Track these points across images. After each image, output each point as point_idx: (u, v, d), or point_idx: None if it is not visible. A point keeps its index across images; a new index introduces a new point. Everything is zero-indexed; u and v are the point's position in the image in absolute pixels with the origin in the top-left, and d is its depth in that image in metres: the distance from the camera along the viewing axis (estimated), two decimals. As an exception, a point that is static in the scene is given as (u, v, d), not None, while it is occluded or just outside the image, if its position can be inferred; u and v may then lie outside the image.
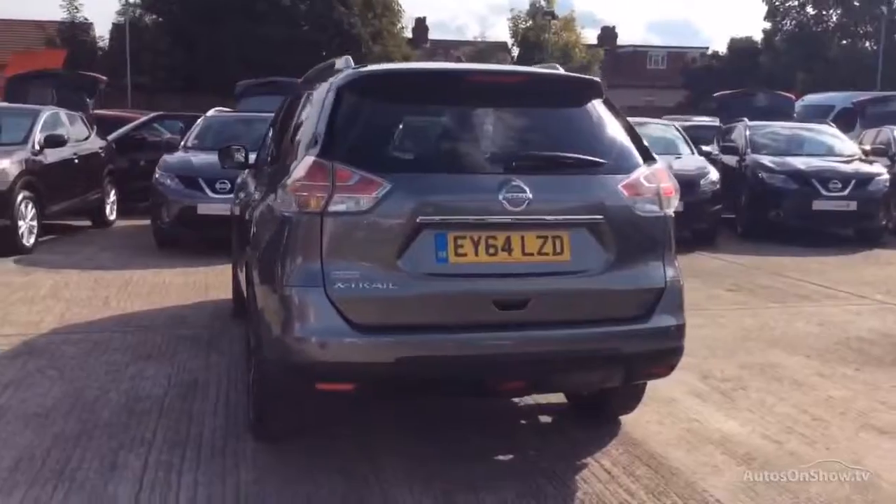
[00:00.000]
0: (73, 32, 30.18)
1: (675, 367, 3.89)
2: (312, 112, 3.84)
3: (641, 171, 3.70)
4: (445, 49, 38.96)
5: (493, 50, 35.97)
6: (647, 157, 3.80)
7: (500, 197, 3.38)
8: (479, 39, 40.10)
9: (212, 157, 8.14)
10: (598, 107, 3.86)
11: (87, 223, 11.78)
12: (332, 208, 3.34)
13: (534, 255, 3.48)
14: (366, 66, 4.07)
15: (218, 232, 7.94)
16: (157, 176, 9.84)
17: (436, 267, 3.38)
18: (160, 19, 30.52)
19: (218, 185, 9.23)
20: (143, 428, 4.20)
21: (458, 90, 3.74)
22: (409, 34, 46.46)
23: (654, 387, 4.91)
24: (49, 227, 10.55)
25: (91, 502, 3.40)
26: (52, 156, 10.12)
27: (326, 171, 3.36)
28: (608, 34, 54.02)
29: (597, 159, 3.68)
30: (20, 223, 9.26)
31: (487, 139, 3.74)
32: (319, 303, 3.33)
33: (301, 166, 3.47)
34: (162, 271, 8.39)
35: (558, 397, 4.66)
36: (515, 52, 35.50)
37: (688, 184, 10.89)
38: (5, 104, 12.17)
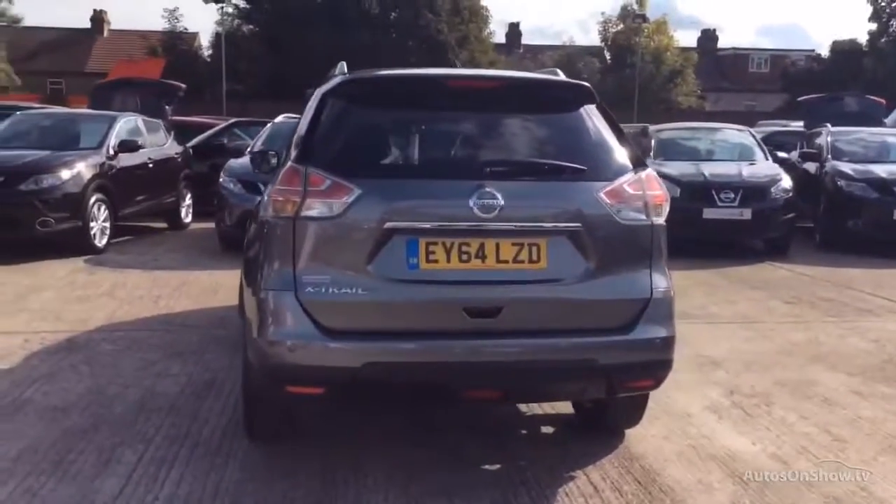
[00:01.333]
0: (174, 42, 31.45)
1: (663, 381, 3.76)
2: (302, 119, 3.90)
3: (626, 178, 3.60)
4: (534, 54, 38.78)
5: (580, 54, 35.56)
6: (637, 164, 3.69)
7: (471, 203, 3.35)
8: (568, 44, 39.66)
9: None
10: (585, 112, 3.77)
11: (164, 225, 12.23)
12: (304, 213, 3.38)
13: (509, 262, 3.43)
14: (357, 71, 4.09)
15: None
16: (221, 180, 10.13)
17: (406, 273, 3.37)
18: (256, 29, 31.45)
19: None
20: (148, 424, 4.34)
21: (438, 96, 3.73)
22: (501, 39, 46.58)
23: (670, 400, 4.82)
24: (125, 229, 11.01)
25: (77, 494, 3.53)
26: (125, 160, 10.55)
27: (300, 177, 3.40)
28: (709, 37, 52.71)
29: (575, 166, 3.60)
30: (92, 224, 9.69)
31: (464, 145, 3.71)
32: (291, 306, 3.37)
33: (280, 172, 3.53)
34: (217, 273, 8.63)
35: (567, 408, 4.58)
36: (606, 56, 35.00)
37: (757, 191, 10.58)
38: (86, 111, 12.77)
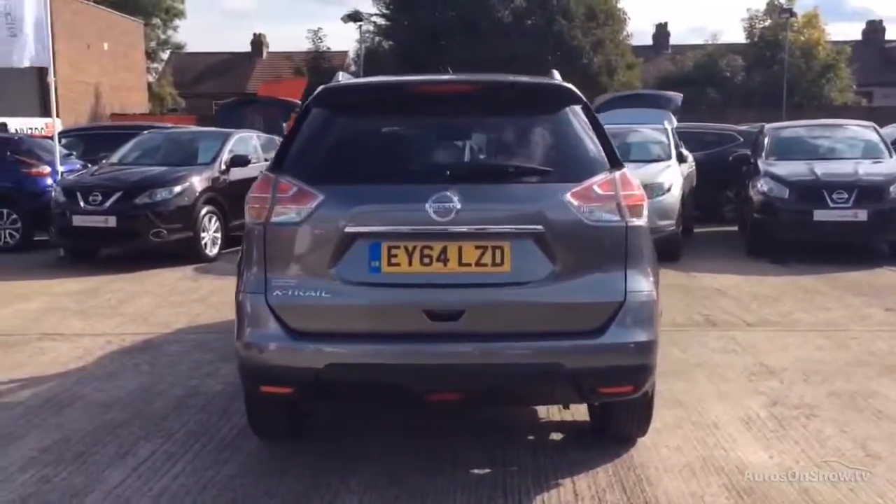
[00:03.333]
0: (317, 62, 32.76)
1: (643, 387, 3.62)
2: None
3: (597, 179, 3.51)
4: (680, 54, 37.54)
5: (723, 52, 34.14)
6: (614, 164, 3.58)
7: (428, 207, 3.37)
8: (710, 42, 38.16)
9: None
10: (562, 114, 3.71)
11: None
12: (273, 219, 3.51)
13: (471, 265, 3.42)
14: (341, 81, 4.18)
15: None
16: None
17: (368, 276, 3.43)
18: (393, 45, 32.26)
19: None
20: (176, 421, 4.60)
21: (409, 102, 3.77)
22: (648, 41, 45.43)
23: (704, 410, 4.68)
24: (238, 239, 11.61)
25: (84, 483, 3.81)
26: (236, 174, 11.14)
27: (271, 185, 3.54)
28: (874, 29, 49.29)
29: (539, 167, 3.54)
30: (203, 234, 10.31)
31: (429, 149, 3.73)
32: (261, 309, 3.51)
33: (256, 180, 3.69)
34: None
35: (583, 415, 4.48)
36: (751, 53, 33.45)
37: (873, 191, 9.92)
38: (204, 129, 13.57)
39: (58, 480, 3.83)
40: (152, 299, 8.07)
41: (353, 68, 31.19)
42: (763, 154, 11.25)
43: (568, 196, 3.45)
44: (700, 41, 44.66)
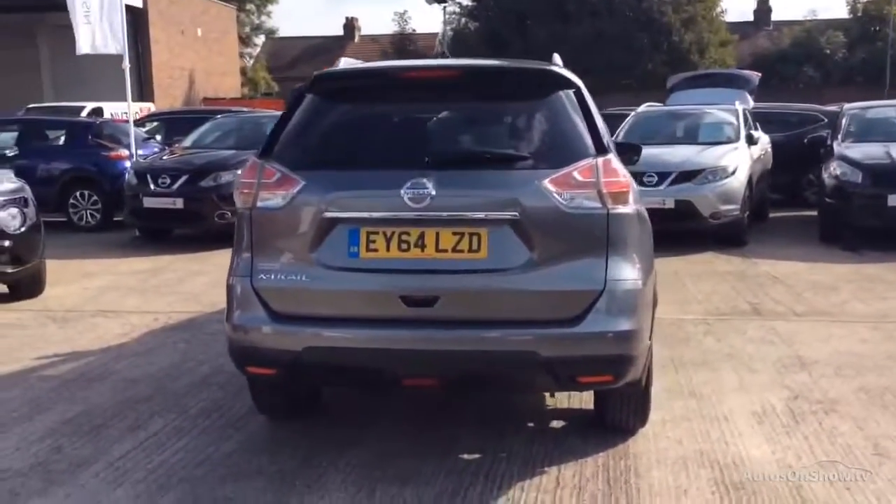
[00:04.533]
0: (402, 44, 32.99)
1: (625, 377, 3.55)
2: None
3: (577, 166, 3.44)
4: (779, 29, 36.08)
5: (822, 28, 32.63)
6: (601, 151, 3.51)
7: (402, 193, 3.38)
8: (808, 19, 36.53)
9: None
10: (548, 99, 3.65)
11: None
12: (259, 204, 3.60)
13: (448, 251, 3.42)
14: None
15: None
16: None
17: (347, 261, 3.48)
18: (479, 26, 32.18)
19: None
20: (193, 398, 4.78)
21: (395, 88, 3.78)
22: (749, 17, 43.83)
23: (720, 403, 4.61)
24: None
25: (91, 454, 4.00)
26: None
27: (257, 170, 3.62)
28: None
29: (517, 153, 3.50)
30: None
31: (410, 135, 3.73)
32: (247, 292, 3.61)
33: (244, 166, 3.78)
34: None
35: (589, 403, 4.43)
36: (848, 29, 31.85)
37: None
38: (273, 113, 13.83)
39: (68, 451, 4.04)
40: (208, 279, 8.34)
41: (438, 50, 31.25)
42: (840, 136, 10.76)
43: (546, 182, 3.40)
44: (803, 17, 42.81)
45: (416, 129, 3.79)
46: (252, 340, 3.60)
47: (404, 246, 3.44)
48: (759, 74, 14.13)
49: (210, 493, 3.57)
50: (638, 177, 9.63)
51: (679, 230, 10.04)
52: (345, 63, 4.20)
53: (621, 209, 3.50)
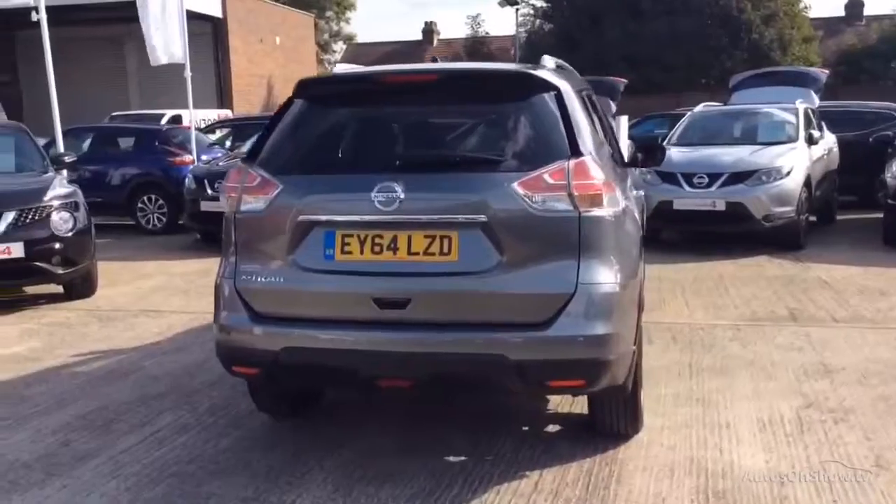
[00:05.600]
0: (475, 46, 33.05)
1: (599, 381, 3.50)
2: None
3: (548, 168, 3.41)
4: (878, 23, 34.54)
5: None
6: (576, 153, 3.48)
7: (373, 196, 3.42)
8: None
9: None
10: (524, 102, 3.63)
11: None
12: (242, 208, 3.70)
13: (420, 254, 3.45)
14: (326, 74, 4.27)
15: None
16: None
17: (323, 263, 3.54)
18: (553, 27, 31.97)
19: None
20: (205, 395, 4.92)
21: (377, 93, 3.82)
22: (840, 12, 42.28)
23: (726, 409, 4.55)
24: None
25: (97, 447, 4.18)
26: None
27: (241, 175, 3.72)
28: None
29: (487, 156, 3.49)
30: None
31: (384, 139, 3.76)
32: (231, 293, 3.71)
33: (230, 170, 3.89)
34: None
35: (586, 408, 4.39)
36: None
37: None
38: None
39: (76, 444, 4.23)
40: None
41: (511, 52, 31.22)
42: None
43: (515, 185, 3.39)
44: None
45: (391, 133, 3.83)
46: (235, 341, 3.70)
47: (377, 249, 3.48)
48: (827, 72, 13.61)
49: (195, 488, 3.68)
50: (688, 178, 9.55)
51: (730, 233, 9.83)
52: (340, 69, 4.27)
53: (596, 212, 3.45)
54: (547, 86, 3.69)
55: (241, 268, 3.70)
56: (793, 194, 9.44)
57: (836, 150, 11.61)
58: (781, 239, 9.61)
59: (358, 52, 46.39)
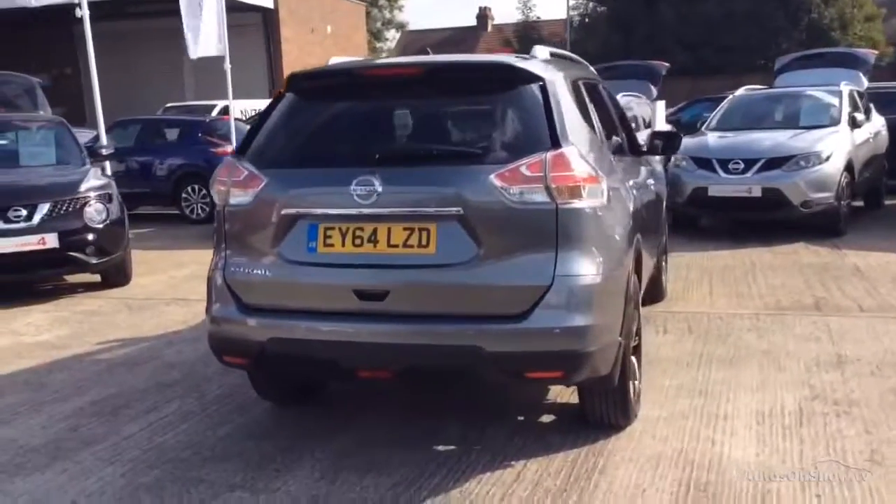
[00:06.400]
0: (526, 32, 32.74)
1: (578, 373, 3.49)
2: None
3: (526, 160, 3.40)
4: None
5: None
6: (556, 144, 3.46)
7: (352, 189, 3.46)
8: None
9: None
10: (506, 94, 3.63)
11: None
12: (230, 201, 3.78)
13: (399, 247, 3.48)
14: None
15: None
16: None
17: (306, 256, 3.60)
18: (605, 10, 31.53)
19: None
20: (214, 384, 5.04)
21: (360, 86, 3.85)
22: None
23: (727, 401, 4.51)
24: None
25: (103, 433, 4.32)
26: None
27: (230, 169, 3.80)
28: None
29: (464, 149, 3.50)
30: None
31: (365, 132, 3.78)
32: (221, 285, 3.80)
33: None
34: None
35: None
36: None
37: None
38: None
39: (84, 430, 4.38)
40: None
41: (559, 38, 30.92)
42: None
43: (492, 178, 3.39)
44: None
45: (373, 126, 3.86)
46: (225, 331, 3.79)
47: (358, 241, 3.52)
48: (876, 52, 13.19)
49: (187, 474, 3.79)
50: (724, 164, 9.37)
51: (767, 220, 9.63)
52: (333, 62, 4.31)
53: (576, 204, 3.44)
54: (530, 77, 3.67)
55: (230, 260, 3.79)
56: (832, 179, 9.20)
57: (884, 133, 11.27)
58: (821, 226, 9.38)
59: (412, 39, 46.42)
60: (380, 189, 3.43)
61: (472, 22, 49.34)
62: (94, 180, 7.88)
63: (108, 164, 9.97)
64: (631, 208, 4.11)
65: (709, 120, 11.23)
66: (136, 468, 3.87)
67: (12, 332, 6.57)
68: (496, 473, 3.68)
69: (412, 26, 45.16)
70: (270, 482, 3.67)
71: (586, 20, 33.61)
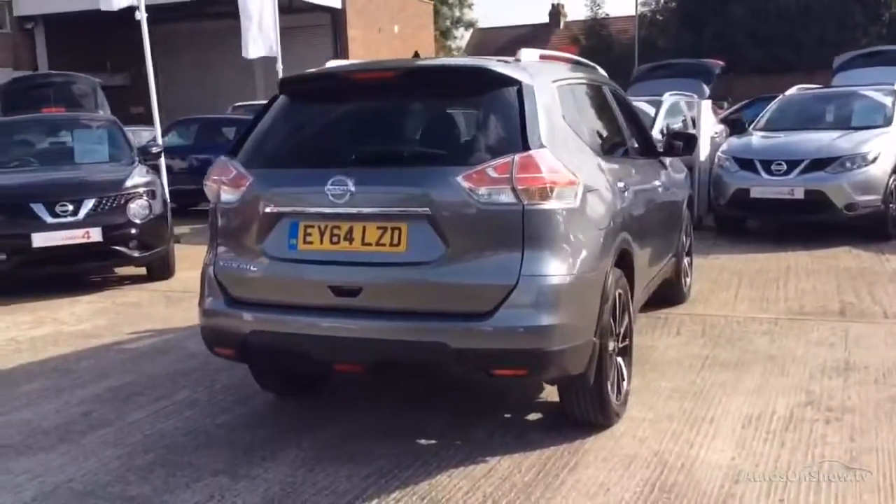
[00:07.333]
0: (594, 29, 32.54)
1: (544, 371, 3.56)
2: None
3: (494, 162, 3.48)
4: None
5: None
6: (527, 146, 3.53)
7: (326, 189, 3.60)
8: None
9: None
10: (480, 97, 3.72)
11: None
12: (221, 199, 3.96)
13: (372, 245, 3.60)
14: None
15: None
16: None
17: (287, 252, 3.76)
18: (674, 6, 31.11)
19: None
20: (225, 374, 5.23)
21: (343, 89, 3.99)
22: None
23: (719, 404, 4.50)
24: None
25: (110, 417, 4.57)
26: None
27: (221, 168, 3.98)
28: None
29: (434, 151, 3.59)
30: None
31: (343, 134, 3.91)
32: (211, 279, 3.99)
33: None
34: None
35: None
36: None
37: None
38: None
39: (95, 414, 4.63)
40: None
41: (628, 35, 30.60)
42: None
43: (459, 179, 3.48)
44: None
45: (351, 128, 3.98)
46: (215, 323, 3.99)
47: (335, 239, 3.66)
48: (938, 50, 12.70)
49: (178, 458, 3.99)
50: (766, 165, 9.22)
51: (810, 223, 9.44)
52: (330, 64, 4.46)
53: (543, 205, 3.50)
54: (506, 80, 3.75)
55: (220, 255, 3.98)
56: (878, 182, 8.97)
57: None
58: (866, 229, 9.15)
59: (483, 37, 46.54)
60: (353, 189, 3.56)
61: (545, 19, 49.07)
62: (138, 177, 8.23)
63: (162, 161, 10.39)
64: (618, 209, 4.13)
65: (757, 120, 11.04)
66: (133, 452, 4.09)
67: (55, 320, 6.94)
68: (469, 468, 3.76)
69: (483, 24, 45.21)
70: (252, 469, 3.84)
71: (657, 16, 33.21)
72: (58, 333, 6.51)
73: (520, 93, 3.72)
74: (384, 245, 3.59)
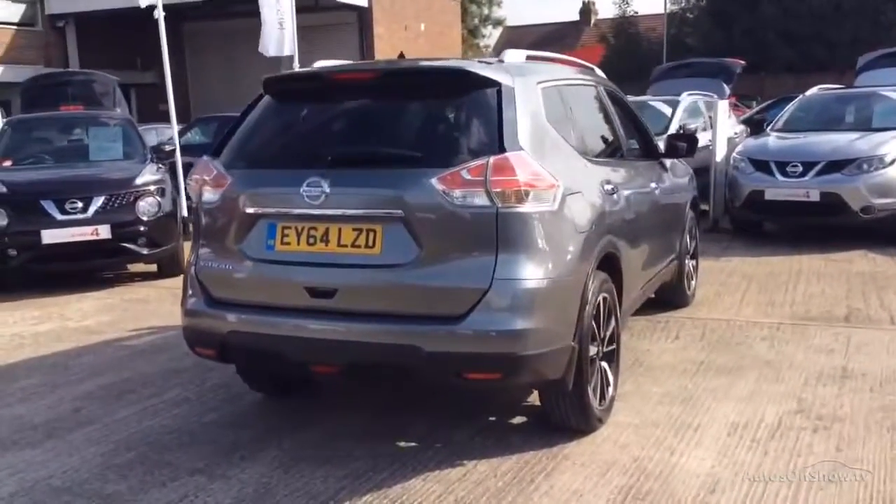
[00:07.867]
0: (622, 27, 32.25)
1: (517, 376, 3.53)
2: None
3: (468, 164, 3.45)
4: None
5: None
6: (503, 149, 3.49)
7: (302, 191, 3.59)
8: None
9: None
10: (459, 99, 3.69)
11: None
12: (203, 199, 3.97)
13: (347, 247, 3.59)
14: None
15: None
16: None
17: (265, 253, 3.76)
18: (704, 4, 30.76)
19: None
20: (218, 372, 5.21)
21: (325, 90, 3.98)
22: None
23: (707, 410, 4.47)
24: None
25: (101, 414, 4.62)
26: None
27: (203, 168, 4.00)
28: None
29: (409, 153, 3.57)
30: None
31: (321, 135, 3.89)
32: (192, 279, 4.00)
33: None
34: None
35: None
36: None
37: None
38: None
39: (85, 411, 4.68)
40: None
41: (656, 33, 30.33)
42: None
43: (434, 181, 3.46)
44: None
45: (329, 129, 3.97)
46: (195, 323, 4.00)
47: (311, 240, 3.66)
48: (964, 49, 12.42)
49: (158, 457, 4.01)
50: (781, 167, 9.08)
51: (826, 226, 9.28)
52: (317, 65, 4.45)
53: (519, 208, 3.46)
54: (485, 82, 3.71)
55: (201, 255, 3.99)
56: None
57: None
58: (884, 232, 8.97)
59: (513, 35, 46.34)
60: (328, 190, 3.56)
61: (575, 17, 48.80)
62: (148, 175, 8.31)
63: (179, 158, 10.46)
64: (603, 212, 4.09)
65: (774, 121, 10.88)
66: (116, 449, 4.13)
67: (61, 316, 7.03)
68: (444, 471, 3.74)
69: (512, 22, 45.06)
70: (230, 469, 3.85)
71: (687, 14, 32.88)
72: (62, 329, 6.59)
73: (499, 94, 3.69)
74: (359, 247, 3.58)
